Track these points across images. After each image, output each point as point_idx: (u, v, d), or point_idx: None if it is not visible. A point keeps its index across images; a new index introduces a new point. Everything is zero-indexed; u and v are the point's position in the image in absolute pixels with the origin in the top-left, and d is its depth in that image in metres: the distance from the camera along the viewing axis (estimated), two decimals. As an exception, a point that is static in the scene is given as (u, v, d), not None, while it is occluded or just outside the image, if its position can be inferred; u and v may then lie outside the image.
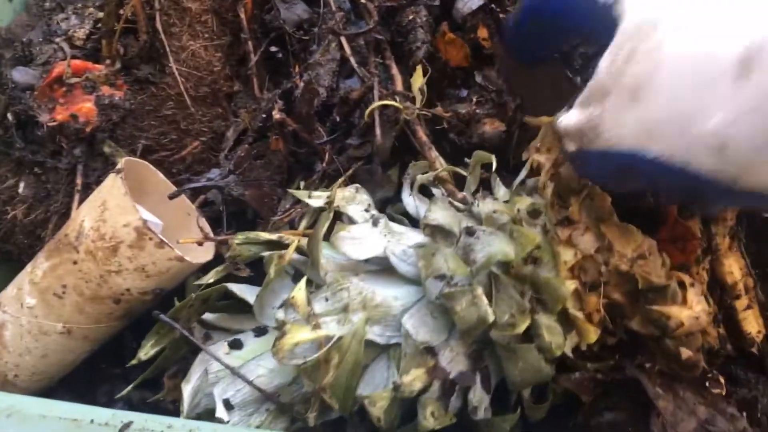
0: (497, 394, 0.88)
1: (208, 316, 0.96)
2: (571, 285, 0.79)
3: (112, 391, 1.13)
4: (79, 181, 1.14)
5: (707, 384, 0.90)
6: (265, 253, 0.91)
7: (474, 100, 1.09)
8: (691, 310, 0.81)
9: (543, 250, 0.83)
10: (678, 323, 0.80)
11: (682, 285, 0.83)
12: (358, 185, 0.98)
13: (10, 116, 1.17)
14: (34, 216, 1.16)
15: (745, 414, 0.90)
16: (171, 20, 1.18)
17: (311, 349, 0.80)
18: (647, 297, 0.82)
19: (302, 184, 1.08)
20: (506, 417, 0.84)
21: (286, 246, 0.89)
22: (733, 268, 0.93)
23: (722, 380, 0.91)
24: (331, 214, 0.88)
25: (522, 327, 0.79)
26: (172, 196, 1.04)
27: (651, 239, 0.83)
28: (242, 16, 1.21)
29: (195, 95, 1.19)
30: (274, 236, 0.93)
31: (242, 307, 0.96)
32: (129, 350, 1.13)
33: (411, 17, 1.11)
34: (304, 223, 0.97)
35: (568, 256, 0.82)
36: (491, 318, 0.77)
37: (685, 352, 0.83)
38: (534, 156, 0.88)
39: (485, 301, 0.77)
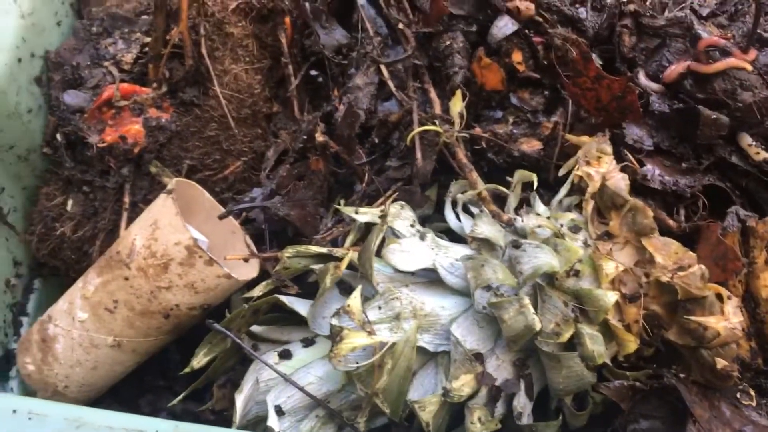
0: (538, 401, 0.92)
1: (255, 328, 1.00)
2: (613, 296, 0.83)
3: (155, 401, 1.17)
4: (126, 199, 1.18)
5: (738, 395, 0.94)
6: (315, 266, 0.95)
7: (510, 120, 1.13)
8: (728, 321, 0.84)
9: (585, 263, 0.87)
10: (715, 333, 0.84)
11: (719, 297, 0.86)
12: (402, 202, 1.02)
13: (59, 137, 1.21)
14: (81, 233, 1.20)
15: (774, 424, 0.93)
16: (214, 45, 1.22)
17: (363, 355, 0.83)
18: (686, 308, 0.86)
19: (342, 203, 1.12)
20: (549, 423, 0.88)
21: (336, 259, 0.93)
22: (768, 282, 0.96)
23: (752, 392, 0.95)
24: (385, 227, 0.92)
25: (567, 336, 0.83)
26: (222, 217, 1.08)
27: (691, 252, 0.87)
28: (282, 41, 1.25)
29: (237, 117, 1.23)
30: (324, 249, 0.96)
31: (290, 319, 1.00)
32: (173, 363, 1.17)
33: (448, 43, 1.14)
34: (350, 239, 1.01)
35: (609, 268, 0.86)
36: (538, 326, 0.81)
37: (721, 362, 0.87)
38: (583, 168, 0.92)
39: (532, 310, 0.81)
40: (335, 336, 0.82)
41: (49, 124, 1.24)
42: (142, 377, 1.19)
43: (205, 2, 1.20)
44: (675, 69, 1.01)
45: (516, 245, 0.88)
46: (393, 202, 1.03)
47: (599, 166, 0.90)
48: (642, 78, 1.06)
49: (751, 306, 0.97)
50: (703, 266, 0.84)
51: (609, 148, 0.93)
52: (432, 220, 1.10)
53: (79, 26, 1.33)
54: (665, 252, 0.85)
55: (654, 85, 1.04)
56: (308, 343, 0.95)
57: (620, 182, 0.88)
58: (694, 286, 0.84)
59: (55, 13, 1.31)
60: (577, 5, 1.18)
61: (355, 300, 0.84)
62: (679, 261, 0.85)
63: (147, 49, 1.24)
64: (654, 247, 0.86)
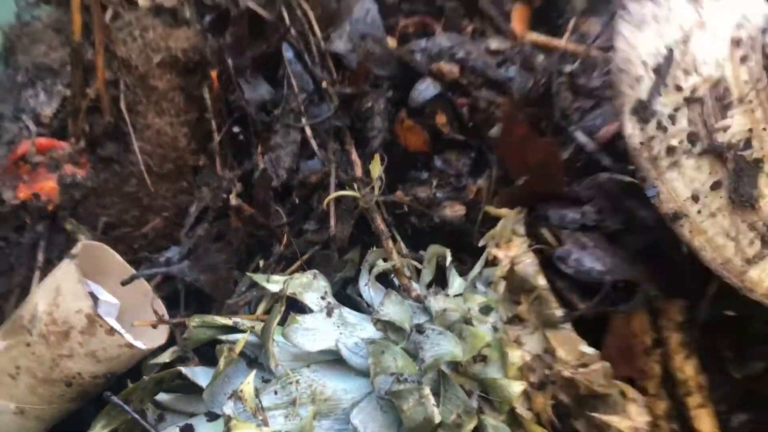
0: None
1: (162, 396, 0.96)
2: (519, 387, 0.80)
3: (66, 471, 1.13)
4: (40, 257, 1.15)
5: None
6: (222, 336, 0.91)
7: (434, 183, 1.11)
8: (632, 421, 0.82)
9: (492, 348, 0.84)
10: (617, 433, 0.82)
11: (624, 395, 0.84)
12: (316, 271, 0.98)
13: (-26, 192, 1.18)
14: (-4, 289, 1.16)
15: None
16: (137, 98, 1.20)
17: (258, 445, 0.80)
18: (589, 403, 0.83)
19: (261, 263, 1.09)
20: None
21: (241, 331, 0.89)
22: (685, 364, 0.93)
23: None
24: (283, 308, 0.88)
25: (469, 428, 0.79)
26: (124, 283, 1.05)
27: (594, 349, 0.84)
28: (206, 96, 1.23)
29: (159, 172, 1.20)
30: (229, 321, 0.93)
31: (196, 388, 0.96)
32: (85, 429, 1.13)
33: (369, 104, 1.13)
34: (261, 307, 0.98)
35: (514, 358, 0.83)
36: (438, 419, 0.77)
37: (630, 458, 0.84)
38: (492, 250, 0.89)
39: (432, 401, 0.78)
40: (225, 425, 0.78)
41: (-36, 178, 1.21)
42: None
43: (127, 58, 1.18)
44: (609, 129, 1.00)
45: (420, 330, 0.84)
46: (308, 267, 1.00)
47: (508, 249, 0.88)
48: (580, 136, 1.04)
49: (671, 386, 0.94)
50: (606, 363, 0.82)
51: (521, 229, 0.91)
52: (355, 282, 1.07)
53: (3, 76, 1.30)
54: (568, 347, 0.83)
55: (590, 144, 1.02)
56: (212, 417, 0.91)
57: (529, 268, 0.85)
58: (596, 384, 0.81)
59: (-21, 61, 1.28)
60: (507, 64, 1.16)
61: (248, 386, 0.80)
62: (581, 357, 0.82)
63: (67, 102, 1.21)
64: (557, 341, 0.83)
